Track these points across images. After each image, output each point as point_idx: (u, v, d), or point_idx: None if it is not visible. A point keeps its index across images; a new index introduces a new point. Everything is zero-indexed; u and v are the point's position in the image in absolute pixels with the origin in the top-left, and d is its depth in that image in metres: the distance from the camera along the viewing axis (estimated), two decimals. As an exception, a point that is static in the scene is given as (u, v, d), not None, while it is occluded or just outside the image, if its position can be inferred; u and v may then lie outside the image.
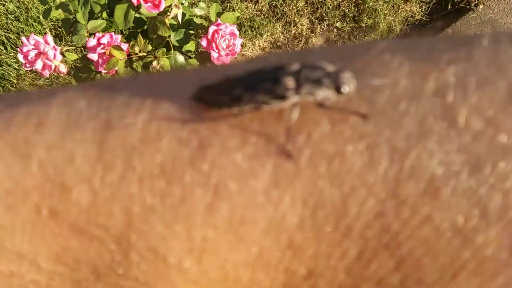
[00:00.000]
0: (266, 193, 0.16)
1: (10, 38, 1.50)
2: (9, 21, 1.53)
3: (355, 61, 0.17)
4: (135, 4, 0.59)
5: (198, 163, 0.16)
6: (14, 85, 1.46)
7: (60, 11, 0.78)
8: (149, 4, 0.60)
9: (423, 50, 0.17)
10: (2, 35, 1.50)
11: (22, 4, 1.50)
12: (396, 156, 0.15)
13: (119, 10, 0.64)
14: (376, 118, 0.16)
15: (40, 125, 0.17)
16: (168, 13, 0.70)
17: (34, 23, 1.52)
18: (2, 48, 1.50)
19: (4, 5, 1.52)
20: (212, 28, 0.73)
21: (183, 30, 0.76)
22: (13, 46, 1.50)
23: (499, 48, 0.16)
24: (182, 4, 0.77)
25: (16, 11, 1.52)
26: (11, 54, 1.50)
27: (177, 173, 0.16)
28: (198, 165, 0.16)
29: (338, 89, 0.17)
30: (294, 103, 0.17)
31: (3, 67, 1.47)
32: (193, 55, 0.81)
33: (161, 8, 0.62)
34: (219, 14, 0.77)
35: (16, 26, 1.53)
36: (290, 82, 0.17)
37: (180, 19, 0.71)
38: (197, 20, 0.77)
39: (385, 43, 0.18)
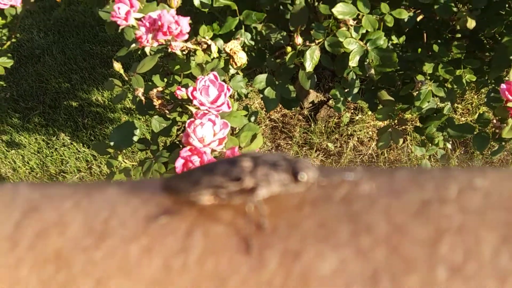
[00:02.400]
0: None
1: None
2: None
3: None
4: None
5: (91, 252, 0.15)
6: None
7: (122, 175, 0.76)
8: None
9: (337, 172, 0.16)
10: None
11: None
12: (286, 259, 0.14)
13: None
14: (279, 217, 0.15)
15: None
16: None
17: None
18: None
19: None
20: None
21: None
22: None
23: (422, 172, 0.16)
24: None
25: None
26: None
27: (69, 260, 0.15)
28: (90, 254, 0.15)
29: (295, 175, 0.16)
30: (249, 187, 0.16)
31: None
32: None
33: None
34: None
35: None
36: (247, 163, 0.17)
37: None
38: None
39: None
